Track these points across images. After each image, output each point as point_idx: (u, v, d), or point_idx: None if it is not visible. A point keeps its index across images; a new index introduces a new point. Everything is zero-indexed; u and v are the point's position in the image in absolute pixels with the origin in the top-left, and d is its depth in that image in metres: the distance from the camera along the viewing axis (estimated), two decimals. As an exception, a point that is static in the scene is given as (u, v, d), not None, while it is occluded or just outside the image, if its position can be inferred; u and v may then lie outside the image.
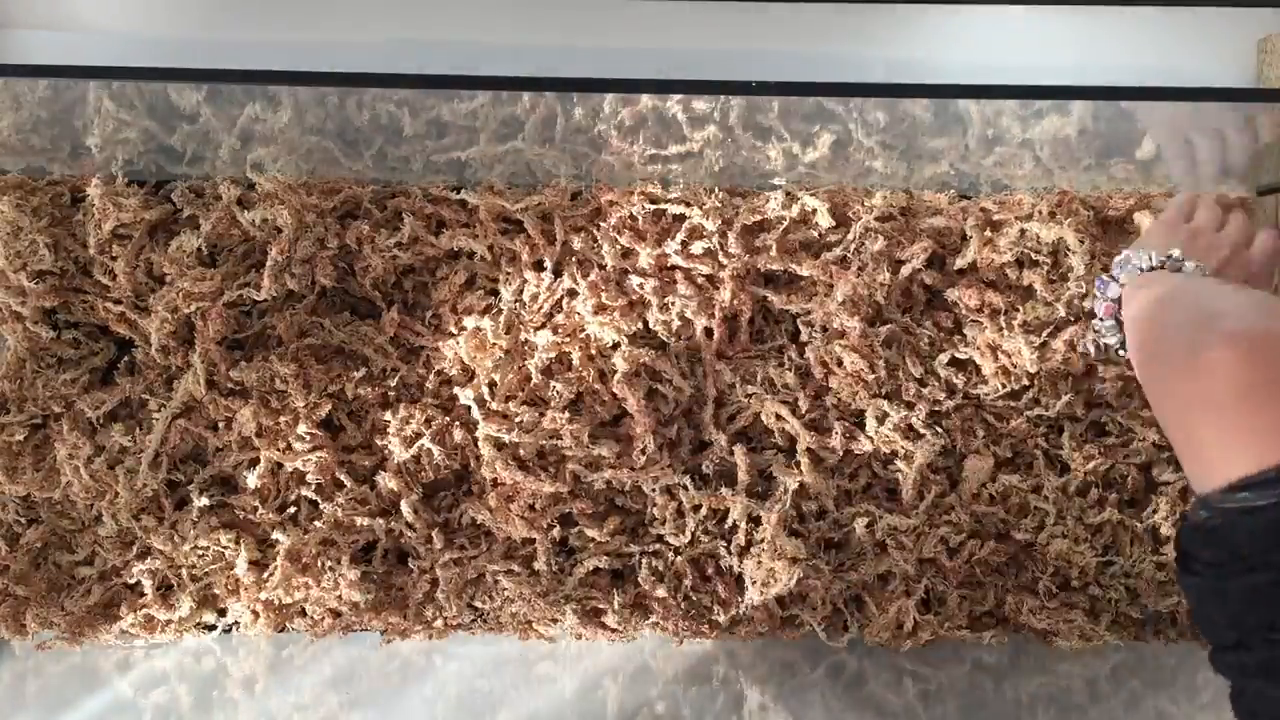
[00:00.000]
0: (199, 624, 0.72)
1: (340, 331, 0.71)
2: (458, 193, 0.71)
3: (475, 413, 0.70)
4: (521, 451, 0.70)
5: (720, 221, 0.70)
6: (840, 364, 0.71)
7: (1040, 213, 0.71)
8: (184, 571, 0.71)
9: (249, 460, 0.70)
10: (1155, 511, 0.71)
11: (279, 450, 0.70)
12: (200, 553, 0.71)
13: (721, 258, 0.70)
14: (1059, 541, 0.71)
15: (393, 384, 0.71)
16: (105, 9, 0.71)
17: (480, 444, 0.69)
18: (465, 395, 0.70)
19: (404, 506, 0.70)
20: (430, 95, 0.67)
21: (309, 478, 0.70)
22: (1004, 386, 0.71)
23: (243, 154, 0.69)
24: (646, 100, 0.69)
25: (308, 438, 0.69)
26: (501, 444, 0.70)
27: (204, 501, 0.70)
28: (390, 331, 0.71)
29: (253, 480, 0.70)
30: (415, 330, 0.71)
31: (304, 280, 0.69)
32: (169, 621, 0.71)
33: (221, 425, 0.71)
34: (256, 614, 0.71)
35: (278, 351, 0.70)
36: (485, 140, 0.69)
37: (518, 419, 0.69)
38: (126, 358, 0.72)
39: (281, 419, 0.69)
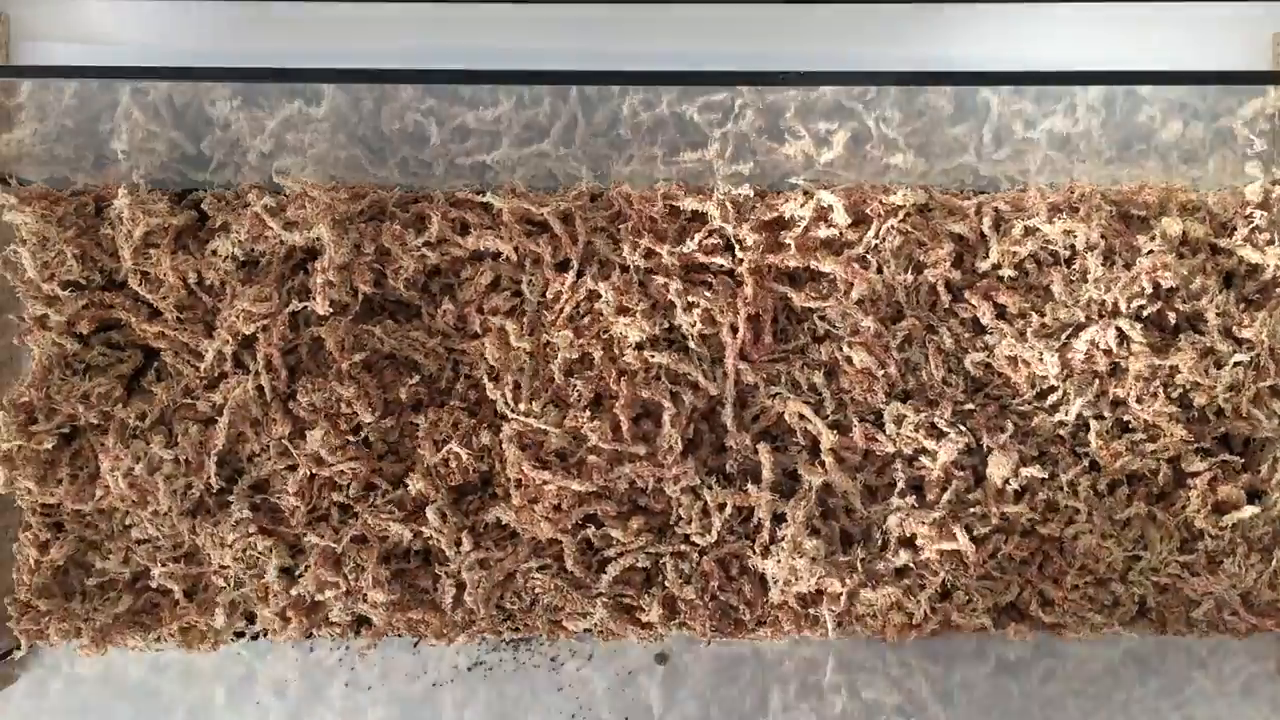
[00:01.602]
0: (235, 631, 0.73)
1: (390, 338, 0.71)
2: (481, 195, 0.71)
3: (500, 414, 0.71)
4: (545, 452, 0.70)
5: (740, 221, 0.70)
6: (850, 362, 0.71)
7: (1060, 209, 0.71)
8: (218, 578, 0.72)
9: (286, 467, 0.71)
10: (1186, 505, 0.72)
11: (316, 463, 0.70)
12: (236, 558, 0.71)
13: (740, 254, 0.70)
14: (1087, 538, 0.71)
15: (441, 386, 0.72)
16: (127, 23, 0.72)
17: (505, 445, 0.70)
18: (491, 396, 0.71)
19: (429, 511, 0.70)
20: (456, 103, 0.67)
21: (342, 483, 0.71)
22: (1029, 389, 0.71)
23: (268, 161, 0.69)
24: (665, 102, 0.69)
25: (350, 447, 0.70)
26: (526, 444, 0.70)
27: (243, 508, 0.70)
28: (450, 321, 0.71)
29: (291, 486, 0.70)
30: (444, 333, 0.72)
31: (344, 289, 0.70)
32: (203, 630, 0.72)
33: (259, 433, 0.71)
34: (287, 619, 0.71)
35: (334, 370, 0.71)
36: (508, 144, 0.69)
37: (542, 419, 0.70)
38: (155, 364, 0.72)
39: (350, 439, 0.71)
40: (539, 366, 0.71)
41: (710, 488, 0.71)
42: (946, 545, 0.71)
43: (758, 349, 0.72)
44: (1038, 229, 0.71)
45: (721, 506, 0.71)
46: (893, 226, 0.71)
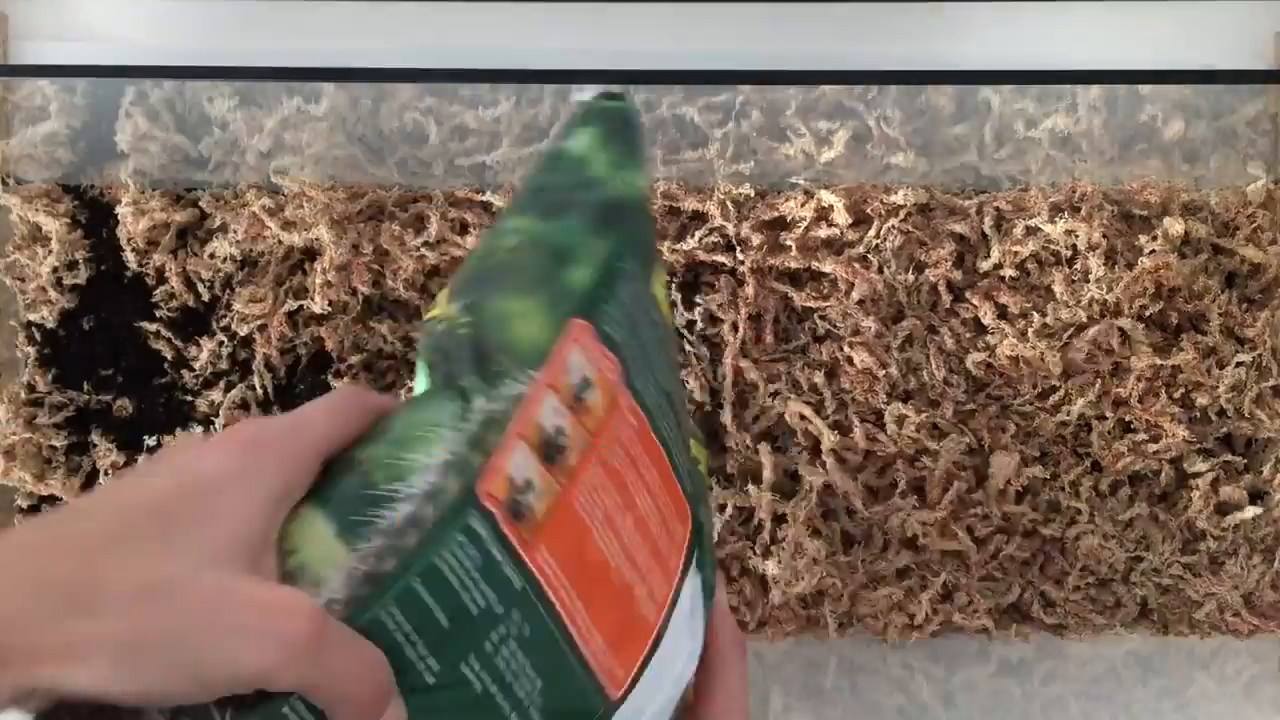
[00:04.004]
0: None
1: (394, 339, 0.71)
2: (481, 195, 0.71)
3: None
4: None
5: (740, 220, 0.70)
6: (851, 362, 0.71)
7: (1061, 209, 0.71)
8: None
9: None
10: (1188, 506, 0.71)
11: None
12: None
13: (741, 255, 0.70)
14: (1089, 539, 0.71)
15: None
16: (126, 22, 0.72)
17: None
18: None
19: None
20: (455, 102, 0.67)
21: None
22: (1031, 389, 0.71)
23: (266, 161, 0.69)
24: (666, 104, 0.69)
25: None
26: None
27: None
28: None
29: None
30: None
31: (343, 289, 0.70)
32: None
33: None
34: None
35: (333, 369, 0.71)
36: (508, 144, 0.69)
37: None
38: (155, 363, 0.72)
39: None
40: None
41: (711, 488, 0.71)
42: (948, 546, 0.71)
43: (758, 348, 0.72)
44: (1039, 228, 0.71)
45: (722, 507, 0.71)
46: (894, 226, 0.70)
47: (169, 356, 0.71)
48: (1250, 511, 0.72)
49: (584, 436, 0.35)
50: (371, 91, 0.67)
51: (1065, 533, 0.71)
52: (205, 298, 0.71)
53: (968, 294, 0.71)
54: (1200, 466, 0.72)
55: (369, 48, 0.70)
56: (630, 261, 0.39)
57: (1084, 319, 0.71)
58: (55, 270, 0.70)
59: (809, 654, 0.74)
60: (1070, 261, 0.72)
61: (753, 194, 0.71)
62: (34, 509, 0.72)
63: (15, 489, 0.71)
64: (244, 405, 0.70)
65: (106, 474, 0.70)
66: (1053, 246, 0.71)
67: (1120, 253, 0.71)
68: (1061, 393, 0.71)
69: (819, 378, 0.71)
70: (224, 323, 0.70)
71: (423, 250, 0.70)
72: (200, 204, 0.70)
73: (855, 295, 0.70)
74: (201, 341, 0.70)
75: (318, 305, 0.69)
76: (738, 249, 0.70)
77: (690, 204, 0.71)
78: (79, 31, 0.72)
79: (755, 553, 0.71)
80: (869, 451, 0.71)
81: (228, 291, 0.70)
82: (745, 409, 0.72)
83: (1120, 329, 0.70)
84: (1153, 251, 0.70)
